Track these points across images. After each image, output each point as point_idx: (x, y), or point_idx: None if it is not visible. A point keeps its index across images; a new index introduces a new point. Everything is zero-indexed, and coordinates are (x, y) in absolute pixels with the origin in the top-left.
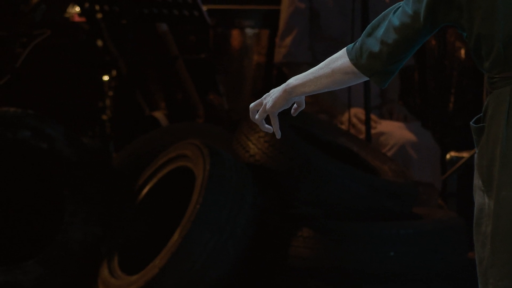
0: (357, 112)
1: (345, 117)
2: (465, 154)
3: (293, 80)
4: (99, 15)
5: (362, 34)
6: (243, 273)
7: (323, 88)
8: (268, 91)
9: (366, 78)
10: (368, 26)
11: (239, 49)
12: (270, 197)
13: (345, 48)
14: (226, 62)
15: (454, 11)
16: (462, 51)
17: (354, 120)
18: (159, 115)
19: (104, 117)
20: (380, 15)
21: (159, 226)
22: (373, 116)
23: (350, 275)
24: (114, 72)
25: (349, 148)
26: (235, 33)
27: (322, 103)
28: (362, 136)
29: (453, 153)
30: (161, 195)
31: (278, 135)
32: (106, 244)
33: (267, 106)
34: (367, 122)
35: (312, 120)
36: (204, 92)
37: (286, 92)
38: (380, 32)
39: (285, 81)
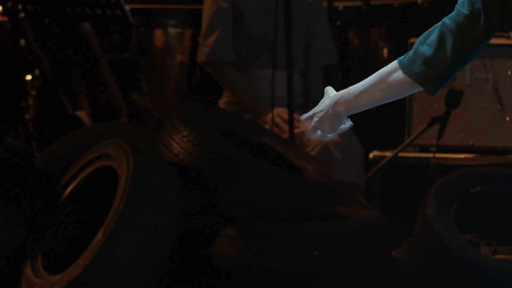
0: (281, 111)
1: (268, 116)
2: (388, 154)
3: (343, 101)
4: (22, 14)
5: (414, 45)
6: (168, 273)
7: (376, 103)
8: (191, 90)
9: (421, 88)
10: (420, 37)
11: (162, 49)
12: (194, 197)
13: (396, 60)
14: (149, 62)
15: (509, 14)
16: (385, 51)
17: (278, 119)
18: (82, 114)
19: (27, 116)
20: (433, 26)
21: (83, 225)
22: (296, 116)
23: (274, 275)
24: (37, 72)
25: (272, 147)
26: (158, 32)
27: (246, 103)
28: (286, 136)
29: (376, 153)
30: (84, 194)
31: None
32: (30, 244)
33: (329, 134)
34: (290, 122)
35: (236, 120)
36: (127, 91)
37: (341, 115)
38: (433, 38)
39: (208, 80)
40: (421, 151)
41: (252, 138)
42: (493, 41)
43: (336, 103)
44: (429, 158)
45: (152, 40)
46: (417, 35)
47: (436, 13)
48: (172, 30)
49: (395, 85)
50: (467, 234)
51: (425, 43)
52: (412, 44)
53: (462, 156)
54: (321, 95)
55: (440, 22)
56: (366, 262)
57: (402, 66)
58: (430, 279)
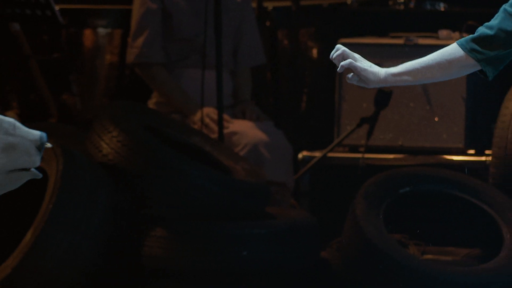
0: (210, 111)
1: (197, 117)
2: (317, 154)
3: (394, 69)
4: None
5: (477, 29)
6: (98, 273)
7: (430, 80)
8: (121, 91)
9: (478, 68)
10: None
11: (92, 49)
12: (124, 197)
13: (455, 42)
14: (79, 62)
15: None
16: (315, 51)
17: (207, 120)
18: (11, 115)
19: None
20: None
21: (13, 226)
22: (225, 116)
23: (204, 275)
24: None
25: (201, 147)
26: (87, 32)
27: (175, 103)
28: (215, 136)
29: (305, 153)
30: (14, 195)
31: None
32: None
33: (358, 66)
34: (220, 122)
35: (165, 120)
36: (57, 91)
37: (382, 80)
38: (494, 22)
39: (137, 81)
40: (350, 151)
41: (182, 138)
42: (422, 41)
43: (387, 73)
44: (358, 159)
45: (82, 41)
46: (347, 36)
47: (365, 14)
48: (101, 31)
49: (454, 64)
50: (396, 234)
51: (485, 26)
52: (342, 44)
53: (391, 156)
54: (250, 95)
55: (501, 8)
56: (295, 262)
57: (462, 46)
58: (359, 279)
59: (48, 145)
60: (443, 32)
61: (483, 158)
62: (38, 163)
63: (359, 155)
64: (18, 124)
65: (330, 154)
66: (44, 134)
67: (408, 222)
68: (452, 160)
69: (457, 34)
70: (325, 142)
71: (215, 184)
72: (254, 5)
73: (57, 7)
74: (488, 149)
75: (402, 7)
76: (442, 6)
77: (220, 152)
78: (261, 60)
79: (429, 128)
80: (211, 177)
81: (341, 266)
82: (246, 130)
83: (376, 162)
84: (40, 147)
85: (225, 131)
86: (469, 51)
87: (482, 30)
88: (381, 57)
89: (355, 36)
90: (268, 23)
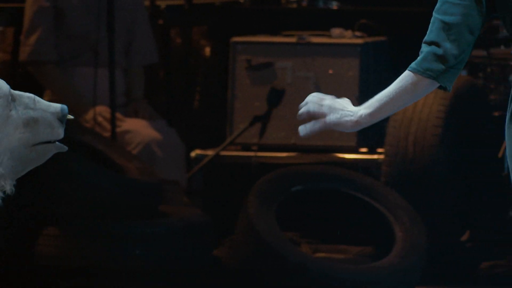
0: (102, 110)
1: (90, 115)
2: (210, 152)
3: (365, 110)
4: None
5: (420, 51)
6: None
7: (397, 110)
8: (13, 89)
9: (437, 85)
10: (422, 42)
11: None
12: (19, 195)
13: (406, 70)
14: None
15: None
16: (207, 49)
17: (99, 118)
18: None
19: None
20: (429, 27)
21: None
22: (118, 115)
23: (97, 274)
24: None
25: (94, 146)
26: None
27: (67, 101)
28: (108, 135)
29: (198, 151)
30: None
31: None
32: None
33: (329, 122)
34: (112, 121)
35: None
36: None
37: (358, 124)
38: (433, 35)
39: (30, 79)
40: (243, 149)
41: (74, 136)
42: (315, 39)
43: (364, 115)
44: (250, 157)
45: None
46: (239, 34)
47: (258, 12)
48: None
49: (412, 89)
50: (288, 232)
51: (427, 44)
52: (234, 43)
53: (284, 155)
54: (142, 94)
55: (432, 19)
56: (188, 260)
57: (414, 69)
58: (252, 277)
59: (70, 116)
60: (335, 31)
61: (375, 157)
62: (61, 135)
63: (251, 154)
64: (38, 98)
65: (223, 153)
66: (65, 106)
67: (301, 220)
68: (345, 158)
69: (349, 32)
70: (217, 141)
71: (108, 183)
72: (146, 3)
73: None
74: (381, 147)
75: (294, 5)
76: (334, 5)
77: (112, 151)
78: (153, 59)
79: None
80: (103, 176)
81: (234, 264)
82: (138, 129)
83: (268, 160)
84: (62, 119)
85: (118, 129)
86: (422, 72)
87: (426, 48)
88: (274, 55)
89: (248, 34)
90: (160, 21)
